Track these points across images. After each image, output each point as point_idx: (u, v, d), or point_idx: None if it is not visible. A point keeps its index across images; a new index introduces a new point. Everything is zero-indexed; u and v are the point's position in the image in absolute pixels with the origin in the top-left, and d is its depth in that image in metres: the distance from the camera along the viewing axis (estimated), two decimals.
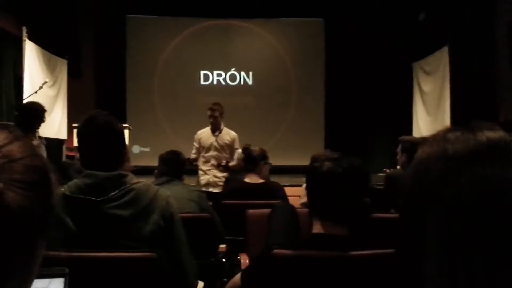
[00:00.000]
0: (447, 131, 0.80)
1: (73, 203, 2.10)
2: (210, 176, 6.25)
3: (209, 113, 6.36)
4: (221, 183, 6.19)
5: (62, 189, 2.13)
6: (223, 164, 6.20)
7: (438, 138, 0.80)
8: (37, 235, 0.74)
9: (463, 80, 7.73)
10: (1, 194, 0.67)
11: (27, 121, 5.45)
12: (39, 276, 0.83)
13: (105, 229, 2.11)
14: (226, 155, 6.33)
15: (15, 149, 0.74)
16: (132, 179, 2.23)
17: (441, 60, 8.52)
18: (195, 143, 6.47)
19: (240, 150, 5.66)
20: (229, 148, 6.37)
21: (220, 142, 6.35)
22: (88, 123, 2.25)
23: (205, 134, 6.43)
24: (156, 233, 2.17)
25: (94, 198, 2.11)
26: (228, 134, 6.43)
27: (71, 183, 2.17)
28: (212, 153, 6.28)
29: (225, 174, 6.31)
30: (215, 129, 6.37)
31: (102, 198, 2.11)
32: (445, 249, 0.72)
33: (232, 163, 6.28)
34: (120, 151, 2.30)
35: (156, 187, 2.31)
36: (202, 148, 6.34)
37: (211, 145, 6.33)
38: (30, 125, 5.47)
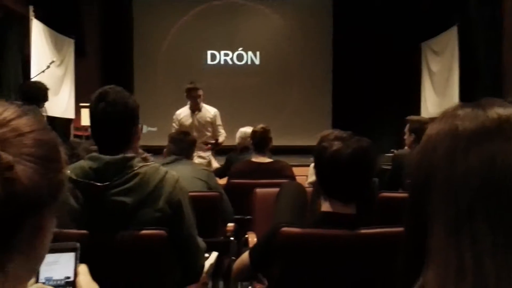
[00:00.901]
0: (457, 107, 0.80)
1: (78, 187, 2.06)
2: (194, 157, 5.99)
3: (192, 94, 6.05)
4: (207, 163, 5.90)
5: (68, 171, 2.09)
6: (213, 142, 6.01)
7: (448, 114, 0.79)
8: (47, 209, 0.75)
9: (471, 59, 7.67)
10: (11, 167, 0.68)
11: (30, 101, 5.47)
12: (51, 251, 0.84)
13: (109, 215, 2.07)
14: (209, 133, 6.14)
15: (24, 122, 0.74)
16: (139, 162, 2.16)
17: (450, 40, 8.45)
18: (174, 124, 6.19)
19: (244, 129, 5.50)
20: (211, 125, 6.16)
21: (201, 120, 6.13)
22: (98, 100, 2.16)
23: (184, 114, 6.18)
24: (162, 220, 2.11)
25: (98, 184, 2.06)
26: (208, 111, 6.19)
27: (77, 165, 2.13)
28: (193, 134, 5.83)
29: (209, 153, 6.12)
30: (195, 109, 6.14)
31: (105, 184, 2.05)
32: (451, 225, 0.72)
33: (220, 140, 6.10)
34: (130, 130, 2.21)
35: (164, 169, 2.22)
36: (182, 129, 5.80)
37: (191, 125, 6.08)
38: (34, 104, 5.49)
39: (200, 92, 6.07)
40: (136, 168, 2.11)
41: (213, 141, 6.05)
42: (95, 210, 2.07)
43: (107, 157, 2.10)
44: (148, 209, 2.10)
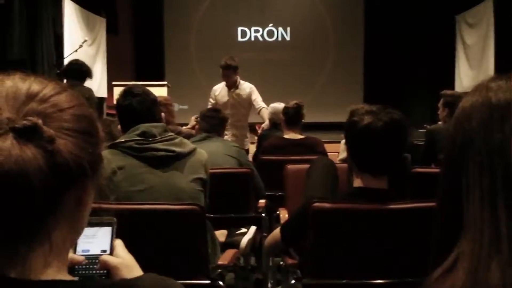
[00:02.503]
0: (490, 80, 0.79)
1: (128, 147, 2.33)
2: (228, 135, 5.77)
3: (225, 72, 5.88)
4: (240, 142, 5.65)
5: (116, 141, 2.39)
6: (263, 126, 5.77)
7: (480, 87, 0.79)
8: (87, 182, 0.77)
9: (508, 32, 7.48)
10: (53, 141, 0.70)
11: (80, 79, 5.57)
12: (89, 224, 0.87)
13: (158, 161, 2.34)
14: (244, 111, 6.02)
15: (63, 98, 0.77)
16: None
17: (485, 12, 8.25)
18: (211, 99, 6.07)
19: (275, 105, 5.30)
20: (248, 103, 6.00)
21: (238, 98, 5.98)
22: (125, 96, 2.52)
23: (221, 90, 6.03)
24: (197, 182, 2.41)
25: (148, 139, 2.35)
26: (244, 88, 6.02)
27: (121, 138, 2.40)
28: (228, 111, 5.67)
29: (244, 132, 6.04)
30: (231, 86, 5.97)
31: (155, 139, 2.35)
32: (487, 195, 0.71)
33: (265, 118, 5.77)
34: (157, 115, 2.53)
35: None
36: (218, 105, 5.70)
37: (227, 102, 5.95)
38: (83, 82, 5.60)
39: (230, 72, 5.86)
40: (173, 134, 2.45)
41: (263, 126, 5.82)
42: (145, 162, 2.34)
43: (149, 124, 2.40)
44: (188, 164, 2.41)
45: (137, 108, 2.46)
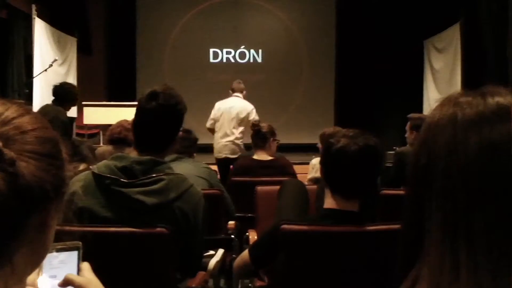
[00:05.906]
0: (459, 95, 0.79)
1: (101, 181, 2.08)
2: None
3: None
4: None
5: (91, 167, 2.14)
6: None
7: (449, 102, 0.78)
8: (50, 205, 0.76)
9: (475, 57, 7.64)
10: (13, 163, 0.69)
11: (59, 102, 5.51)
12: (55, 250, 0.86)
13: (126, 213, 2.07)
14: None
15: (26, 121, 0.76)
16: (167, 168, 2.16)
17: (453, 37, 8.44)
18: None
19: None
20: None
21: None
22: (150, 99, 2.20)
23: None
24: (173, 231, 2.08)
25: (122, 179, 2.07)
26: None
27: (100, 163, 2.14)
28: None
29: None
30: None
31: (130, 181, 2.06)
32: (448, 221, 0.71)
33: None
34: (173, 136, 2.26)
35: (190, 183, 2.19)
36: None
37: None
38: (62, 106, 5.54)
39: None
40: (162, 174, 2.10)
41: None
42: (115, 206, 2.08)
43: (134, 157, 2.13)
44: (164, 216, 2.08)
45: (156, 122, 2.19)
